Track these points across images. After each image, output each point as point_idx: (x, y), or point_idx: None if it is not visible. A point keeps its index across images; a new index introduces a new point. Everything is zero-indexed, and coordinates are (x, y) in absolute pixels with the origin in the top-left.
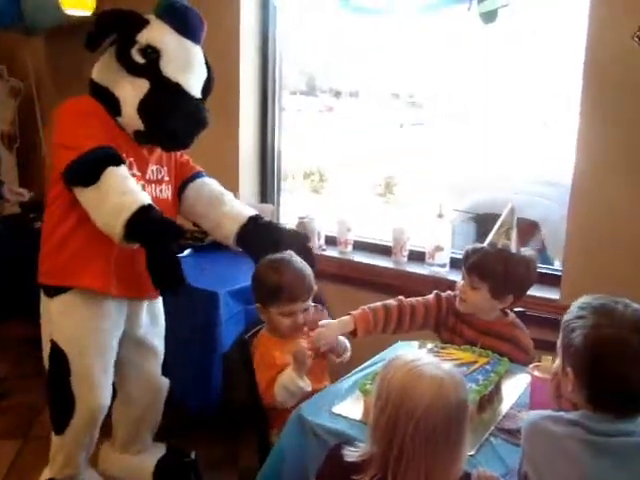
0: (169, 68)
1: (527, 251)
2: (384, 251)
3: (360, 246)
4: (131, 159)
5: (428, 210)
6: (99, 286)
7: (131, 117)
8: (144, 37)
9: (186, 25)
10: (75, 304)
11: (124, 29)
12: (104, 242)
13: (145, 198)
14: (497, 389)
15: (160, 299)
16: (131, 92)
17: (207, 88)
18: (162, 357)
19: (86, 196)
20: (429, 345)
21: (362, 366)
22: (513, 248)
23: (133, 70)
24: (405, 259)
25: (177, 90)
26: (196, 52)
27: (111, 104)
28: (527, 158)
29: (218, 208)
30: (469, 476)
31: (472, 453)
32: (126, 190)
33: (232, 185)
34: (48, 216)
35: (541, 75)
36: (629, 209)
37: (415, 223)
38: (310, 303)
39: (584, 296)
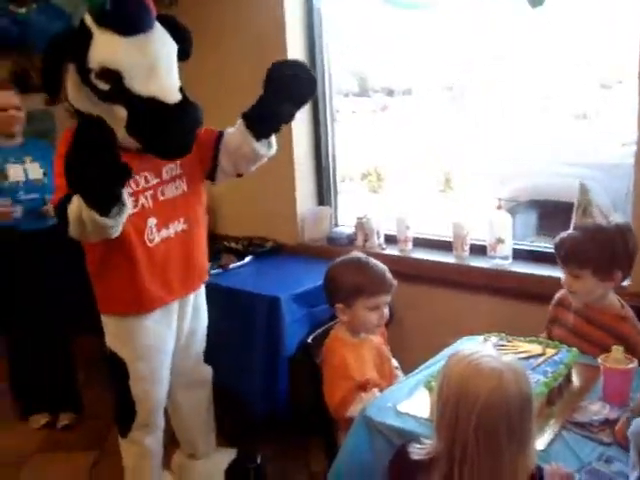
0: (136, 84)
1: (617, 219)
2: (445, 247)
3: (420, 243)
4: (146, 174)
5: (484, 202)
6: (137, 310)
7: (126, 139)
8: (94, 60)
9: (126, 21)
10: (125, 322)
11: (72, 55)
12: (131, 267)
13: None
14: (567, 381)
15: (202, 291)
16: (114, 119)
17: (184, 51)
18: (204, 345)
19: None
20: (493, 339)
21: (427, 363)
22: (600, 222)
23: (103, 98)
24: (467, 254)
25: (154, 106)
26: (153, 41)
27: None
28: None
29: (229, 146)
30: (541, 471)
31: (542, 448)
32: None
33: (288, 190)
34: (85, 246)
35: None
36: None
37: (474, 216)
38: (390, 297)
39: None
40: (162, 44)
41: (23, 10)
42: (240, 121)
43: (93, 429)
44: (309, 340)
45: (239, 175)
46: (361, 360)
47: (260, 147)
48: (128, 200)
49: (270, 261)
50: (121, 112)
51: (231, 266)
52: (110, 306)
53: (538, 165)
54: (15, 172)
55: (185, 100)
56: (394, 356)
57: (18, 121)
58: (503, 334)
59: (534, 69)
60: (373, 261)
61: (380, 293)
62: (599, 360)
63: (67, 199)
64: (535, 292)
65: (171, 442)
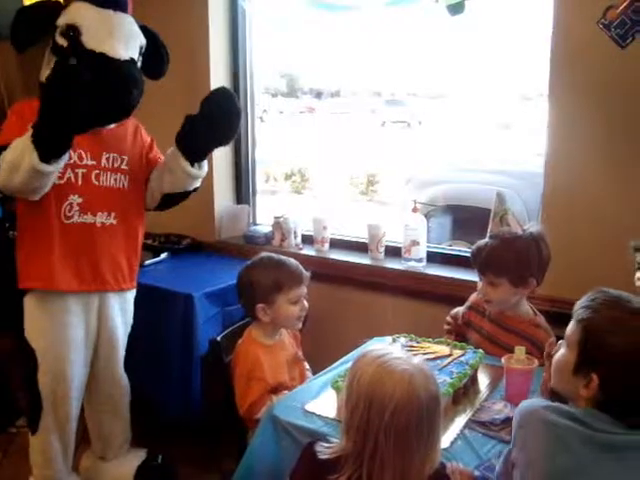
0: (91, 40)
1: (531, 227)
2: (361, 248)
3: (337, 244)
4: (80, 150)
5: (402, 204)
6: (43, 285)
7: None
8: (63, 19)
9: None
10: (37, 303)
11: (43, 21)
12: (44, 240)
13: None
14: (472, 381)
15: (132, 292)
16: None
17: (157, 64)
18: (123, 353)
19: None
20: (402, 339)
21: (335, 364)
22: (516, 231)
23: (61, 55)
24: (382, 255)
25: (102, 60)
26: (121, 19)
27: None
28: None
29: (162, 166)
30: (445, 467)
31: (446, 446)
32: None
33: (206, 187)
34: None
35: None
36: (606, 203)
37: (391, 219)
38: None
39: (597, 291)
40: (129, 25)
41: None
42: (174, 148)
43: None
44: (218, 338)
45: (159, 206)
46: (274, 363)
47: (188, 168)
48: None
49: (186, 258)
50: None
51: (146, 262)
52: (23, 278)
53: (459, 171)
54: None
55: (133, 62)
56: (307, 356)
57: None
58: (412, 335)
59: (460, 78)
60: (284, 257)
61: (299, 284)
62: (502, 360)
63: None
64: (448, 294)
65: (81, 442)
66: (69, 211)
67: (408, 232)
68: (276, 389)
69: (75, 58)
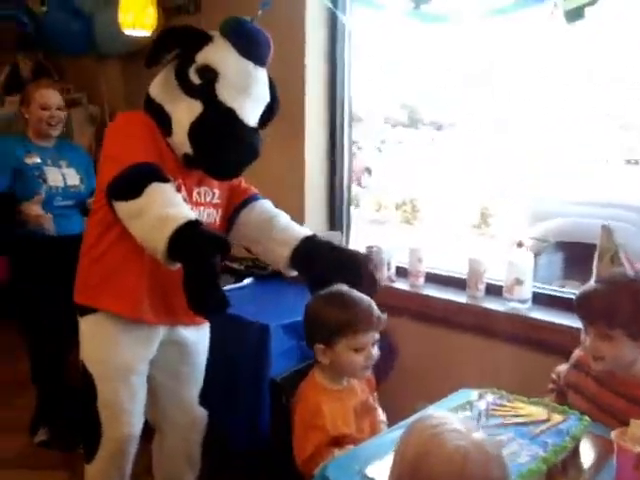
0: (225, 92)
1: None
2: (460, 284)
3: (434, 279)
4: (179, 181)
5: (507, 240)
6: (128, 313)
7: (181, 139)
8: (203, 56)
9: (250, 46)
10: (104, 326)
11: (184, 46)
12: (138, 265)
13: (192, 213)
14: (574, 456)
15: (207, 325)
16: (184, 113)
17: (270, 112)
18: (201, 386)
19: (126, 209)
20: (490, 396)
21: (403, 422)
22: (629, 271)
23: (188, 90)
24: (481, 293)
25: (229, 116)
26: (258, 76)
27: (163, 123)
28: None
29: (268, 232)
30: None
31: None
32: (172, 203)
33: (297, 209)
34: (88, 229)
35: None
36: None
37: (499, 254)
38: (378, 335)
39: None
40: (263, 85)
41: (43, 9)
42: (293, 244)
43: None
44: (278, 379)
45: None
46: (339, 411)
47: (285, 266)
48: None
49: (270, 285)
50: (195, 108)
51: (227, 287)
52: (100, 298)
53: (575, 205)
54: (53, 177)
55: (256, 130)
56: (389, 403)
57: (59, 121)
58: (503, 392)
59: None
60: (358, 294)
61: (367, 330)
62: (612, 435)
63: (147, 179)
64: (557, 344)
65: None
66: None
67: (512, 269)
68: (339, 441)
69: (201, 102)
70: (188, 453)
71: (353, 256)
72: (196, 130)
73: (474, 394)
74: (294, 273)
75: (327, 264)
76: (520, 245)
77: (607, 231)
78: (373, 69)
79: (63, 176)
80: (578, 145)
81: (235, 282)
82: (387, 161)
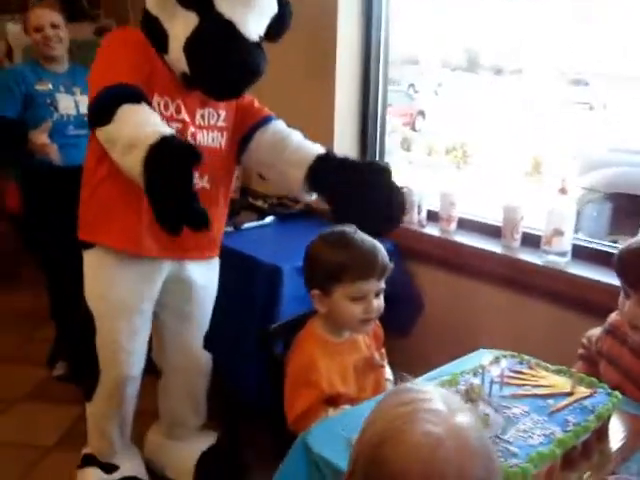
0: (223, 2)
1: None
2: (495, 233)
3: (467, 225)
4: (178, 101)
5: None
6: (123, 246)
7: (177, 56)
8: None
9: None
10: (104, 260)
11: None
12: (135, 195)
13: (166, 129)
14: (599, 437)
15: (216, 259)
16: (180, 27)
17: (280, 23)
18: (206, 328)
19: (102, 136)
20: (509, 360)
21: (425, 376)
22: None
23: (184, 2)
24: (517, 244)
25: (228, 29)
26: None
27: (160, 39)
28: None
29: (281, 153)
30: None
31: None
32: (144, 123)
33: (327, 144)
34: (86, 160)
35: None
36: None
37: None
38: (384, 284)
39: None
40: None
41: None
42: (313, 155)
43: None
44: (271, 328)
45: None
46: (337, 366)
47: (301, 190)
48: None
49: (292, 226)
50: (191, 20)
51: (245, 225)
52: (97, 232)
53: (631, 154)
54: (65, 104)
55: (259, 45)
56: (413, 358)
57: (57, 41)
58: (525, 356)
59: None
60: (362, 236)
61: (366, 278)
62: None
63: (117, 101)
64: (594, 303)
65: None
66: None
67: (551, 218)
68: (335, 400)
69: (197, 14)
70: (192, 397)
71: (375, 170)
72: (192, 45)
73: (490, 356)
74: (312, 196)
75: (346, 180)
76: (563, 192)
77: None
78: (429, 10)
79: (76, 103)
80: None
81: (257, 220)
82: (443, 105)
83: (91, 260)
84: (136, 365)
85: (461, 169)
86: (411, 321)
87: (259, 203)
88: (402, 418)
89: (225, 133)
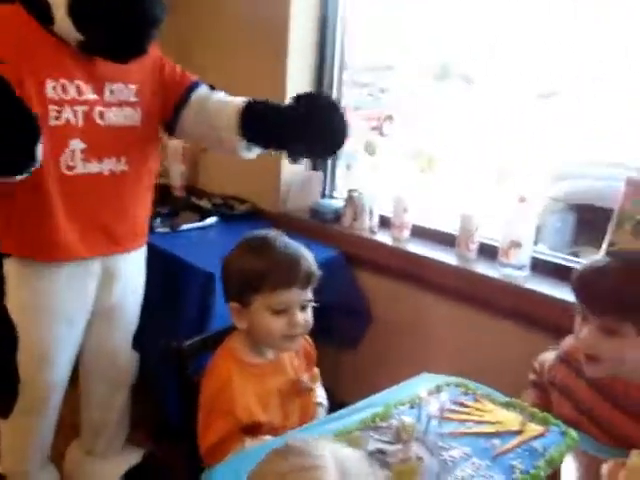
0: None
1: None
2: (451, 242)
3: (420, 233)
4: (79, 82)
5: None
6: (42, 256)
7: (64, 24)
8: None
9: None
10: (23, 271)
11: None
12: (41, 198)
13: None
14: None
15: (138, 258)
16: None
17: None
18: (135, 326)
19: None
20: (449, 391)
21: (348, 409)
22: None
23: None
24: (473, 254)
25: None
26: None
27: (42, 11)
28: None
29: (208, 120)
30: None
31: None
32: None
33: None
34: None
35: None
36: None
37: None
38: (310, 295)
39: None
40: None
41: None
42: (237, 108)
43: None
44: (185, 345)
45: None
46: (256, 392)
47: (241, 147)
48: (40, 153)
49: (237, 228)
50: None
51: (183, 227)
52: (8, 243)
53: (598, 166)
54: None
55: None
56: (354, 376)
57: None
58: (471, 385)
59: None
60: (285, 241)
61: (287, 286)
62: (603, 470)
63: None
64: (552, 321)
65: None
66: (71, 160)
67: (509, 229)
68: (255, 429)
69: None
70: (116, 405)
71: (302, 96)
72: (75, 5)
73: (431, 385)
74: (257, 150)
75: (278, 113)
76: (522, 200)
77: (634, 187)
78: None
79: None
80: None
81: (198, 221)
82: (412, 111)
83: (10, 269)
84: (61, 376)
85: (425, 175)
86: (358, 333)
87: (202, 203)
88: None
89: (139, 109)
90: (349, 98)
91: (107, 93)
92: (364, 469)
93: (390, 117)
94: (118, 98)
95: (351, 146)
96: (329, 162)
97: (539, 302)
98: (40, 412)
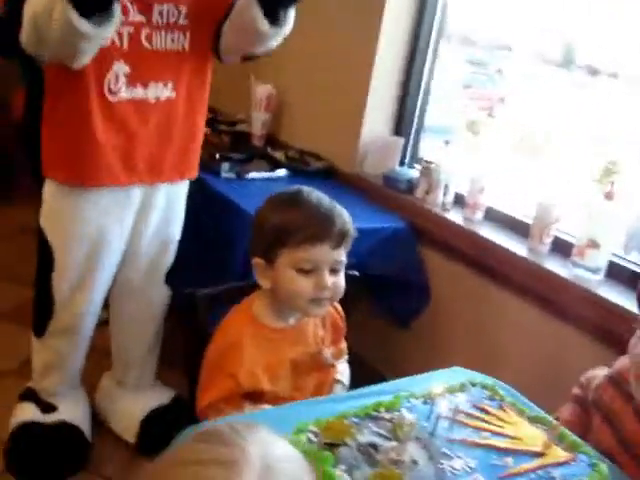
0: None
1: None
2: (526, 231)
3: (497, 218)
4: (125, 2)
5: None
6: (81, 181)
7: None
8: None
9: None
10: (61, 194)
11: None
12: (83, 123)
13: None
14: None
15: (180, 191)
16: None
17: None
18: (169, 262)
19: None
20: (472, 392)
21: (353, 392)
22: None
23: None
24: (545, 248)
25: None
26: None
27: None
28: None
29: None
30: None
31: None
32: None
33: (357, 100)
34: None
35: None
36: None
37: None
38: (343, 257)
39: None
40: None
41: None
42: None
43: None
44: (200, 293)
45: (246, 59)
46: (266, 358)
47: (261, 21)
48: (118, 9)
49: (305, 184)
50: None
51: (250, 175)
52: (50, 167)
53: None
54: None
55: None
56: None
57: None
58: (502, 390)
59: None
60: (319, 196)
61: (316, 242)
62: None
63: None
64: (620, 335)
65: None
66: (114, 84)
67: (589, 226)
68: (258, 396)
69: None
70: (146, 337)
71: None
72: None
73: (455, 382)
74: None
75: None
76: (609, 197)
77: None
78: None
79: None
80: None
81: (268, 171)
82: (527, 96)
83: (49, 191)
84: (94, 302)
85: (527, 161)
86: (413, 312)
87: (278, 154)
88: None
89: (188, 33)
90: (459, 75)
91: (155, 15)
92: (297, 476)
93: (502, 99)
94: (167, 20)
95: (452, 122)
96: (413, 128)
97: (608, 310)
98: (72, 335)
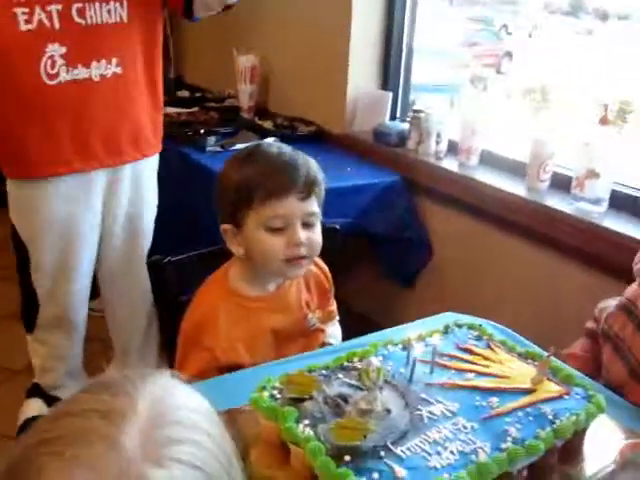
0: None
1: None
2: (524, 171)
3: (492, 161)
4: None
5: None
6: (26, 173)
7: None
8: None
9: None
10: (20, 190)
11: None
12: (22, 113)
13: None
14: (565, 458)
15: (148, 168)
16: None
17: None
18: (148, 242)
19: None
20: (459, 332)
21: (337, 346)
22: None
23: None
24: (544, 185)
25: None
26: None
27: None
28: None
29: None
30: None
31: None
32: None
33: (340, 60)
34: None
35: None
36: None
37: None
38: (315, 208)
39: None
40: None
41: None
42: None
43: None
44: (166, 260)
45: (226, 7)
46: (244, 332)
47: None
48: None
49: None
50: None
51: (236, 146)
52: (3, 163)
53: None
54: None
55: None
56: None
57: None
58: (490, 329)
59: None
60: (281, 147)
61: (281, 195)
62: (619, 451)
63: None
64: (629, 267)
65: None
66: (51, 67)
67: (585, 155)
68: (237, 369)
69: None
70: (137, 320)
71: None
72: None
73: (439, 326)
74: None
75: None
76: (604, 122)
77: None
78: None
79: None
80: None
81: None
82: (534, 49)
83: (11, 191)
84: (78, 290)
85: (539, 113)
86: (416, 268)
87: (266, 124)
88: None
89: (125, 2)
90: (461, 33)
91: None
92: (198, 427)
93: (509, 54)
94: None
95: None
96: (401, 81)
97: (615, 243)
98: (62, 327)
